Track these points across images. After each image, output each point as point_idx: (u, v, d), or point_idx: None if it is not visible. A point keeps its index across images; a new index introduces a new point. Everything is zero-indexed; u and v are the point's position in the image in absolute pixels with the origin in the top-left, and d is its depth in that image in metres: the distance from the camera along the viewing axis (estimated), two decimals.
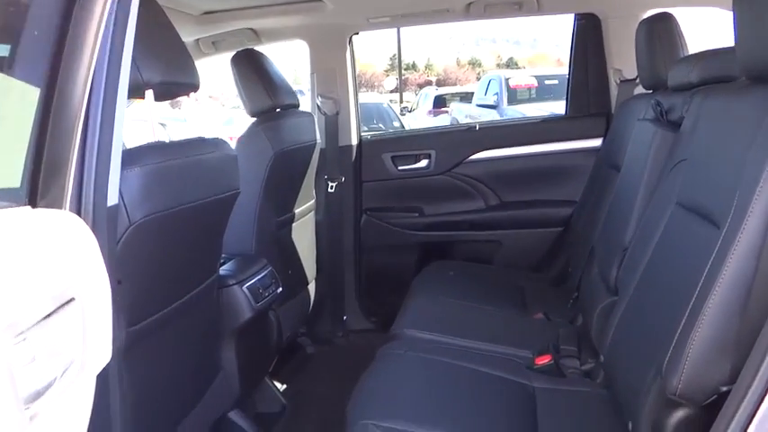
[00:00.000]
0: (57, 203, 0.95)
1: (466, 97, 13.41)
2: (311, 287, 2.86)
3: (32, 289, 0.74)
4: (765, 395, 0.97)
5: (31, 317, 0.73)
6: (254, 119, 2.50)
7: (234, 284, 2.11)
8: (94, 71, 0.99)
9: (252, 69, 2.46)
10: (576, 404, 1.62)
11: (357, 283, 3.08)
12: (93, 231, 1.06)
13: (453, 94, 15.01)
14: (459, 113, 12.26)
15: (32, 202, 0.91)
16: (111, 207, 1.18)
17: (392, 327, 2.09)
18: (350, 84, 3.01)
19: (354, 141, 3.03)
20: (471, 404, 1.57)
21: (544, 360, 1.83)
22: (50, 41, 0.96)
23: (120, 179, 1.40)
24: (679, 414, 1.23)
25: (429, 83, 20.96)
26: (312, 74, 3.01)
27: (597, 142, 2.83)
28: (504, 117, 8.95)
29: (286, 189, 2.60)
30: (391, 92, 19.80)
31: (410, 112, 15.67)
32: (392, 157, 3.04)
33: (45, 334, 0.75)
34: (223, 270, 2.17)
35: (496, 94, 10.17)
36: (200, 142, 1.75)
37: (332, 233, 3.05)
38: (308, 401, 2.47)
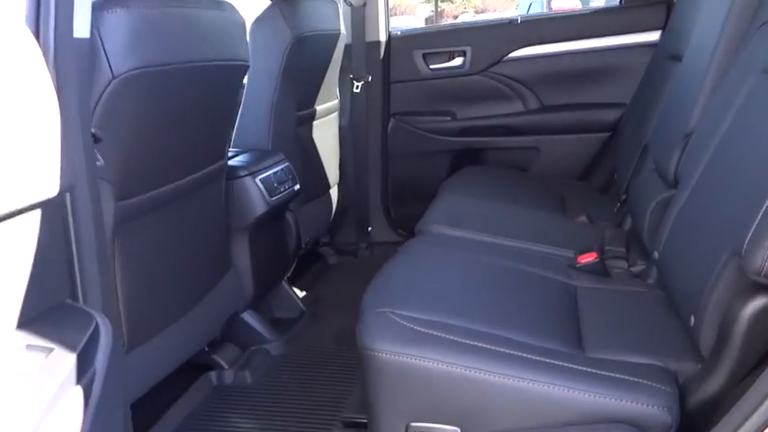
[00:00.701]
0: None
1: None
2: (333, 192, 2.68)
3: None
4: None
5: None
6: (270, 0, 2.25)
7: (245, 176, 1.93)
8: None
9: None
10: (624, 303, 1.42)
11: (383, 192, 2.88)
12: (57, 68, 0.88)
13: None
14: None
15: None
16: (79, 41, 0.99)
17: (416, 225, 1.89)
18: None
19: (383, 37, 2.76)
20: (504, 300, 1.37)
21: (588, 258, 1.62)
22: None
23: (100, 22, 1.20)
24: (757, 302, 1.01)
25: (465, 12, 20.07)
26: None
27: (655, 36, 2.50)
28: None
29: (306, 81, 2.37)
30: (426, 22, 19.09)
31: None
32: (423, 55, 2.77)
33: None
34: (234, 161, 2.00)
35: None
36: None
37: (357, 138, 2.83)
38: (328, 309, 2.33)
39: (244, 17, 1.75)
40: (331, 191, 2.66)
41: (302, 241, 2.34)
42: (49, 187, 0.72)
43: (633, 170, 2.05)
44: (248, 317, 2.01)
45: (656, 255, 1.51)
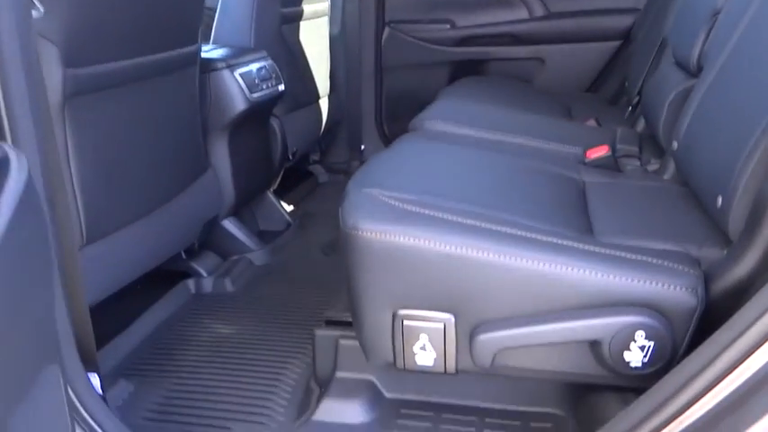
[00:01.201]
0: None
1: None
2: (323, 103, 2.50)
3: None
4: None
5: None
6: None
7: (223, 68, 1.76)
8: None
9: None
10: (638, 196, 1.28)
11: (377, 106, 2.71)
12: None
13: None
14: None
15: None
16: None
17: (410, 122, 1.74)
18: None
19: None
20: (507, 188, 1.23)
21: (599, 152, 1.47)
22: None
23: None
24: None
25: None
26: None
27: None
28: None
29: None
30: None
31: None
32: None
33: None
34: (211, 53, 1.82)
35: None
36: None
37: (349, 48, 2.63)
38: (316, 223, 2.19)
39: None
40: (321, 101, 2.49)
41: (289, 151, 2.18)
42: None
43: (648, 70, 1.88)
44: (229, 224, 1.87)
45: (674, 145, 1.36)
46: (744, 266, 0.94)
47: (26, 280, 0.63)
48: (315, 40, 2.42)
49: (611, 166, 1.46)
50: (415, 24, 2.63)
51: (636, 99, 1.91)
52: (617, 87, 2.40)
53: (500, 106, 1.92)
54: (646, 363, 0.90)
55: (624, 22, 2.43)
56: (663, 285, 0.90)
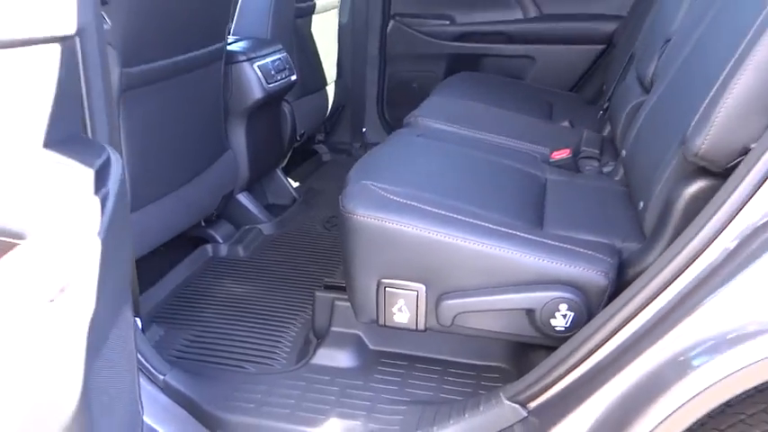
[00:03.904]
0: None
1: None
2: (330, 89, 2.74)
3: None
4: None
5: None
6: None
7: (244, 61, 2.00)
8: None
9: None
10: (588, 194, 1.54)
11: (379, 93, 2.95)
12: None
13: None
14: None
15: None
16: None
17: (406, 117, 1.99)
18: None
19: None
20: (475, 182, 1.49)
21: (561, 154, 1.73)
22: None
23: None
24: (695, 185, 1.13)
25: None
26: None
27: None
28: None
29: None
30: None
31: None
32: None
33: None
34: (234, 47, 2.06)
35: None
36: None
37: (356, 37, 2.86)
38: (320, 199, 2.45)
39: None
40: (328, 87, 2.73)
41: (297, 133, 2.43)
42: (67, 26, 0.81)
43: (618, 79, 2.13)
44: (243, 198, 2.14)
45: (623, 153, 1.62)
46: (650, 258, 1.21)
47: (119, 244, 0.90)
48: (325, 31, 2.65)
49: (571, 166, 1.72)
50: (417, 18, 2.86)
51: (606, 104, 2.16)
52: (597, 89, 2.64)
53: (486, 104, 2.16)
54: (567, 327, 1.17)
55: (608, 27, 2.66)
56: (582, 269, 1.17)
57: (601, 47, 2.69)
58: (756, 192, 0.92)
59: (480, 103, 2.18)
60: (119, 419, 0.94)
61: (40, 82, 0.81)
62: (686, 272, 0.98)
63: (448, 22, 2.84)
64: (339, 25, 2.82)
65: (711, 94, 1.10)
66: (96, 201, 0.78)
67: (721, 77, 1.09)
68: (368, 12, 2.84)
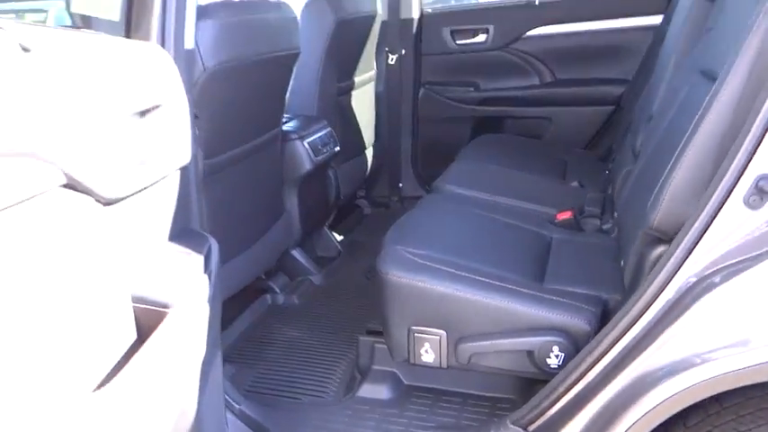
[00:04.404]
0: (146, 38, 1.20)
1: None
2: (369, 152, 3.11)
3: (132, 89, 1.01)
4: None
5: (136, 106, 1.00)
6: None
7: (296, 139, 2.38)
8: None
9: None
10: (585, 252, 1.83)
11: (413, 152, 3.30)
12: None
13: None
14: None
15: (128, 33, 1.17)
16: (188, 50, 1.44)
17: (434, 183, 2.32)
18: None
19: (416, 14, 3.13)
20: (487, 242, 1.80)
21: (565, 216, 2.03)
22: None
23: (197, 30, 1.65)
24: (656, 251, 1.42)
25: None
26: None
27: (657, 19, 2.81)
28: None
29: (347, 56, 2.78)
30: None
31: None
32: (451, 32, 3.14)
33: (147, 121, 1.03)
34: (287, 127, 2.45)
35: None
36: (263, 3, 1.96)
37: (391, 104, 3.24)
38: (361, 250, 2.79)
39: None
40: (367, 150, 3.10)
41: (341, 194, 2.79)
42: (185, 157, 1.17)
43: (620, 143, 2.42)
44: (296, 253, 2.50)
45: (615, 214, 1.91)
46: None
47: (216, 305, 1.25)
48: (363, 101, 3.03)
49: (573, 226, 2.02)
50: (445, 86, 3.22)
51: (610, 165, 2.45)
52: (608, 147, 2.93)
53: (504, 167, 2.48)
54: (559, 365, 1.46)
55: (617, 90, 2.96)
56: (570, 318, 1.46)
57: (611, 108, 2.99)
58: (689, 255, 1.21)
59: (499, 166, 2.50)
60: None
61: (168, 197, 1.17)
62: (641, 319, 1.27)
63: (472, 89, 3.19)
64: (376, 94, 3.19)
65: (666, 170, 1.39)
66: (205, 278, 1.13)
67: (674, 156, 1.38)
68: (401, 81, 3.21)
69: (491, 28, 3.08)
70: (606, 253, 1.81)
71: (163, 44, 1.31)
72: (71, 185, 0.82)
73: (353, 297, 2.39)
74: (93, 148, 0.86)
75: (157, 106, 1.07)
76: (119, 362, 0.89)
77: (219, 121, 1.82)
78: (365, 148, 3.07)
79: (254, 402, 1.68)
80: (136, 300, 0.97)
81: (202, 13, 1.66)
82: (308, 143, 2.41)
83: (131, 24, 1.17)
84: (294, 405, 1.76)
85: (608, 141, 2.97)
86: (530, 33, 3.04)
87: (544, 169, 2.55)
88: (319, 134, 2.50)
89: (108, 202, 0.89)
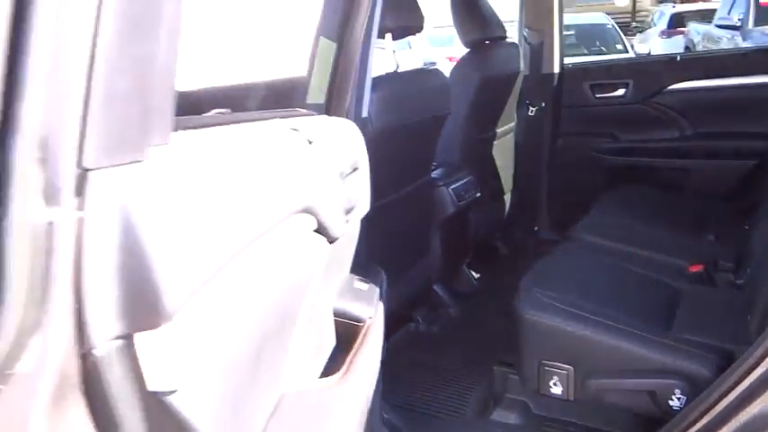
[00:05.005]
0: (340, 114, 1.55)
1: (708, 15, 12.08)
2: (506, 198, 3.34)
3: (340, 155, 1.35)
4: None
5: (344, 168, 1.33)
6: (468, 50, 2.95)
7: (442, 185, 2.68)
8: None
9: (465, 5, 2.89)
10: (713, 304, 1.93)
11: (549, 198, 3.47)
12: None
13: (694, 12, 13.55)
14: (696, 35, 11.24)
15: (328, 112, 1.52)
16: (364, 118, 1.79)
17: (570, 231, 2.51)
18: (555, 15, 3.29)
19: (556, 70, 3.34)
20: (623, 293, 1.96)
21: (696, 268, 2.13)
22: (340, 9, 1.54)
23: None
24: None
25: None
26: (521, 6, 3.35)
27: None
28: (748, 41, 8.16)
29: (489, 110, 3.05)
30: (621, 11, 18.42)
31: (641, 32, 14.73)
32: (591, 86, 3.31)
33: (350, 180, 1.36)
34: (434, 174, 2.75)
35: (743, 13, 9.14)
36: (420, 72, 2.29)
37: (529, 152, 3.45)
38: (497, 287, 3.00)
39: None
40: (505, 196, 3.33)
41: (480, 235, 3.04)
42: (368, 204, 1.50)
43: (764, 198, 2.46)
44: (438, 288, 2.77)
45: (748, 270, 2.00)
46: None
47: (379, 330, 1.55)
48: (504, 150, 3.27)
49: (705, 279, 2.11)
50: (583, 137, 3.37)
51: (750, 220, 2.49)
52: (752, 200, 2.93)
53: (638, 219, 2.61)
54: (680, 408, 1.60)
55: (760, 145, 2.96)
56: (693, 365, 1.60)
57: (753, 161, 2.99)
58: None
59: (633, 219, 2.62)
60: None
61: (354, 237, 1.51)
62: (762, 363, 1.39)
63: (610, 140, 3.32)
64: (515, 143, 3.42)
65: None
66: (381, 305, 1.44)
67: None
68: (540, 132, 3.42)
69: (630, 82, 3.21)
70: (735, 306, 1.90)
71: (347, 114, 1.66)
72: (317, 230, 1.16)
73: (487, 329, 2.61)
74: (329, 202, 1.19)
75: (356, 169, 1.40)
76: (347, 360, 1.23)
77: (381, 172, 2.15)
78: (504, 193, 3.30)
79: (400, 416, 1.95)
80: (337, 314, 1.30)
81: (373, 85, 2.01)
82: (452, 189, 2.70)
83: (331, 105, 1.52)
84: (434, 420, 2.01)
85: (749, 195, 2.97)
86: (670, 87, 3.14)
87: (680, 222, 2.64)
88: (462, 181, 2.78)
89: (332, 241, 1.23)
